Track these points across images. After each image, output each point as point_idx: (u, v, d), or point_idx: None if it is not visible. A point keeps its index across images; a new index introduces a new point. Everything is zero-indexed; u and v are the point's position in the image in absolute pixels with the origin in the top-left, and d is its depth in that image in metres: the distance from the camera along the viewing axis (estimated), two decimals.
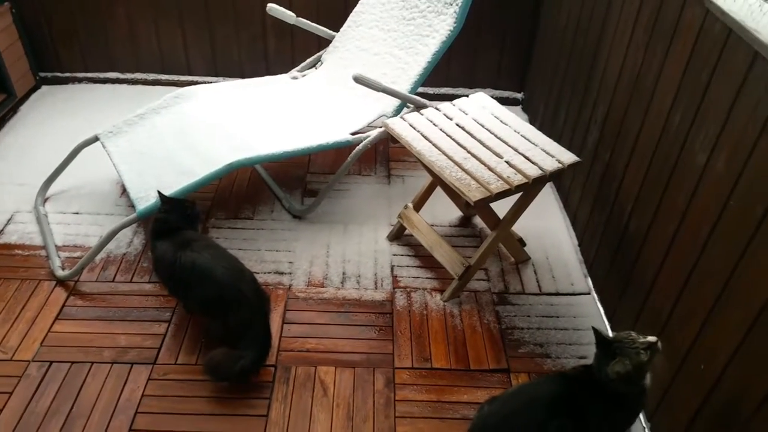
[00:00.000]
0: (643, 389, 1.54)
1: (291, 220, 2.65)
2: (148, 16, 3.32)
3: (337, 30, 3.03)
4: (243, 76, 3.32)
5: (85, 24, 3.36)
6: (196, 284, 1.97)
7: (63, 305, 2.22)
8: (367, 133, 2.59)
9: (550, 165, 2.12)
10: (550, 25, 3.01)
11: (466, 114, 2.38)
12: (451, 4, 2.64)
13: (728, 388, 1.47)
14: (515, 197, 2.18)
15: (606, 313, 2.23)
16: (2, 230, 2.53)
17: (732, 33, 1.51)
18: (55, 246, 2.45)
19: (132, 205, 2.33)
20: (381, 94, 2.57)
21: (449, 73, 3.41)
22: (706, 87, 1.62)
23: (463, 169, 2.10)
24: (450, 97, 2.93)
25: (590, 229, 2.42)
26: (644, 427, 1.88)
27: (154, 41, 3.41)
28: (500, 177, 2.07)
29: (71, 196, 2.72)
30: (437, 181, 2.35)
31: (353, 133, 2.60)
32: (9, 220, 2.58)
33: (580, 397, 1.56)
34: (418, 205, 2.50)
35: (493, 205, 2.17)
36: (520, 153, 2.17)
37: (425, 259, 2.46)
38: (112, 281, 2.33)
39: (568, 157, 2.15)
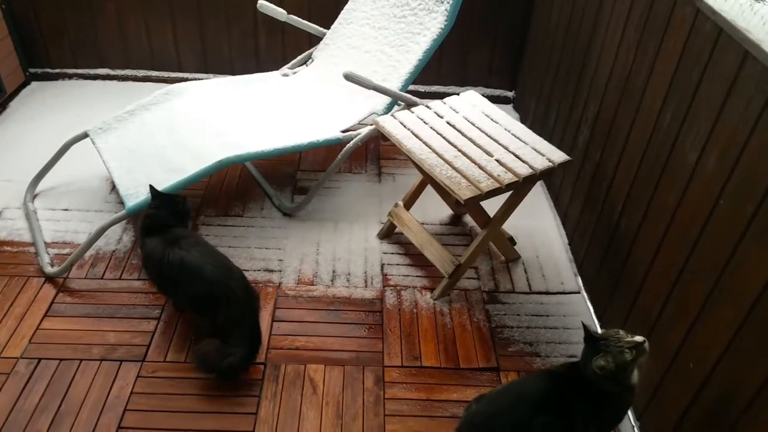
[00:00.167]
0: (629, 388, 1.54)
1: (281, 218, 2.64)
2: (138, 12, 3.30)
3: (328, 27, 3.03)
4: (234, 73, 3.30)
5: (75, 20, 3.33)
6: (185, 282, 1.96)
7: (52, 302, 2.20)
8: (358, 131, 2.59)
9: (541, 164, 2.12)
10: (542, 24, 3.01)
11: (457, 112, 2.38)
12: (442, 2, 2.64)
13: (717, 387, 1.47)
14: (505, 196, 2.18)
15: (596, 312, 2.24)
16: None
17: (722, 32, 1.52)
18: (44, 243, 2.43)
19: (121, 202, 2.32)
20: (372, 91, 2.56)
21: (440, 71, 3.41)
22: (696, 86, 1.63)
23: (454, 168, 2.10)
24: (441, 95, 2.93)
25: (581, 227, 2.43)
26: (633, 426, 1.88)
27: (144, 37, 3.39)
28: (490, 175, 2.07)
29: (61, 193, 2.70)
30: (427, 179, 2.35)
31: (344, 131, 2.59)
32: None
33: (567, 394, 1.56)
34: (409, 203, 2.49)
35: (484, 204, 2.17)
36: (510, 151, 2.18)
37: (415, 258, 2.45)
38: (102, 278, 2.31)
39: (559, 156, 2.15)
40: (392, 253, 2.49)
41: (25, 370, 1.97)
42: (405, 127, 2.28)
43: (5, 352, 2.02)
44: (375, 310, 2.24)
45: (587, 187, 2.35)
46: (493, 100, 3.42)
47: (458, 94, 2.50)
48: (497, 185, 2.04)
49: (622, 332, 1.51)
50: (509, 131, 2.28)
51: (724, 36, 1.51)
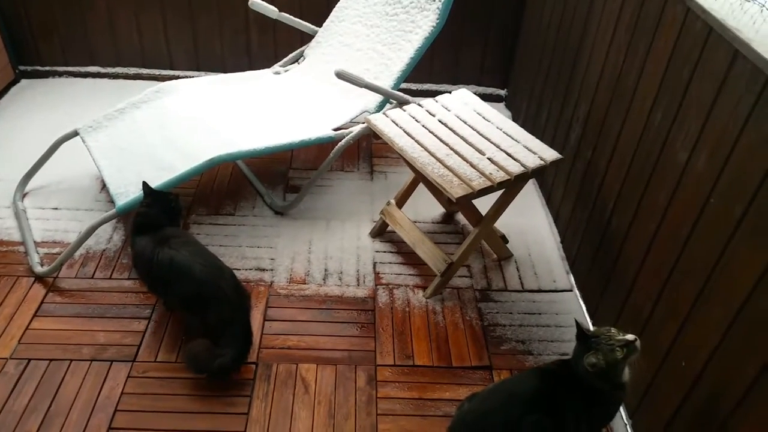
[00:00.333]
0: (621, 386, 1.54)
1: (273, 217, 2.63)
2: (129, 8, 3.28)
3: (319, 25, 3.02)
4: (225, 71, 3.29)
5: (65, 16, 3.31)
6: (175, 282, 1.95)
7: (41, 302, 2.18)
8: (350, 129, 2.58)
9: (533, 162, 2.12)
10: (534, 23, 3.01)
11: (449, 110, 2.38)
12: (434, 0, 2.63)
13: (709, 385, 1.48)
14: (498, 194, 2.18)
15: (588, 310, 2.24)
16: None
17: (713, 31, 1.52)
18: (34, 242, 2.41)
19: (112, 201, 2.30)
20: (363, 89, 2.55)
21: (432, 69, 3.41)
22: (687, 85, 1.63)
23: (446, 166, 2.09)
24: (433, 94, 2.92)
25: (572, 226, 2.43)
26: (626, 424, 1.89)
27: (135, 35, 3.37)
28: (482, 174, 2.07)
29: (50, 192, 2.68)
30: (419, 177, 2.35)
31: (336, 129, 2.59)
32: None
33: (558, 392, 1.56)
34: (401, 202, 2.49)
35: (476, 202, 2.17)
36: (502, 150, 2.17)
37: (408, 256, 2.45)
38: (92, 278, 2.30)
39: (551, 154, 2.15)
40: (384, 252, 2.49)
41: (15, 371, 1.95)
42: (397, 125, 2.28)
43: None
44: (367, 309, 2.24)
45: (579, 185, 2.35)
46: (485, 98, 3.40)
47: (450, 93, 2.50)
48: (489, 183, 2.04)
49: (613, 330, 1.51)
50: (501, 129, 2.28)
51: (714, 35, 1.51)
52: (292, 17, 2.99)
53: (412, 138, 2.21)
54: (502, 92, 3.50)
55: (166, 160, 2.37)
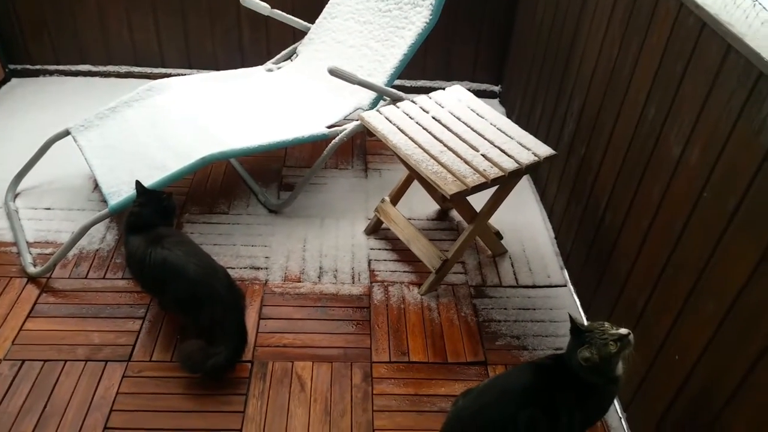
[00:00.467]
0: (615, 380, 1.55)
1: (267, 215, 2.63)
2: (120, 6, 3.26)
3: (312, 22, 3.00)
4: (217, 68, 3.27)
5: (55, 15, 3.28)
6: (168, 282, 1.94)
7: (35, 303, 2.17)
8: (344, 126, 2.57)
9: (527, 158, 2.12)
10: (527, 18, 3.01)
11: (443, 107, 2.38)
12: None
13: (702, 379, 1.49)
14: (492, 190, 2.18)
15: (582, 305, 2.25)
16: None
17: (706, 26, 1.52)
18: (27, 242, 2.40)
19: (104, 200, 2.29)
20: (357, 86, 2.55)
21: (426, 65, 3.40)
22: (680, 80, 1.63)
23: (440, 163, 2.09)
24: (427, 90, 2.92)
25: (566, 221, 2.44)
26: (620, 417, 1.90)
27: (126, 32, 3.35)
28: (476, 170, 2.07)
29: (42, 191, 2.66)
30: (414, 174, 2.34)
31: (329, 126, 2.58)
32: None
33: (552, 386, 1.57)
34: (395, 199, 2.49)
35: (470, 198, 2.17)
36: (496, 146, 2.17)
37: (402, 253, 2.45)
38: (85, 278, 2.29)
39: (544, 150, 2.16)
40: (379, 249, 2.49)
41: (9, 372, 1.94)
42: (390, 122, 2.27)
43: None
44: (362, 306, 2.24)
45: (573, 181, 2.36)
46: (479, 94, 3.40)
47: (444, 89, 2.50)
48: (483, 180, 2.04)
49: (607, 324, 1.51)
50: (495, 126, 2.28)
51: (707, 30, 1.52)
52: (284, 14, 2.98)
53: (406, 135, 2.21)
54: (496, 88, 3.51)
55: (158, 159, 2.36)
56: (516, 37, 3.20)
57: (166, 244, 1.98)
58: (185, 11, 3.27)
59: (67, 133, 2.60)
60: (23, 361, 1.98)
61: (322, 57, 2.88)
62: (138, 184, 2.10)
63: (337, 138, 2.54)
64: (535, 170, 2.51)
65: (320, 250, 2.46)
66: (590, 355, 1.47)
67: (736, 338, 1.37)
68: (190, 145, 2.38)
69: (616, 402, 1.89)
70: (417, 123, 2.27)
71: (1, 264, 2.31)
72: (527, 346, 2.13)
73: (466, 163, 2.10)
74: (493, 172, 2.06)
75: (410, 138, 2.19)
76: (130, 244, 2.05)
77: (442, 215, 2.68)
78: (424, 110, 2.35)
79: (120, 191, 2.27)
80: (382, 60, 2.69)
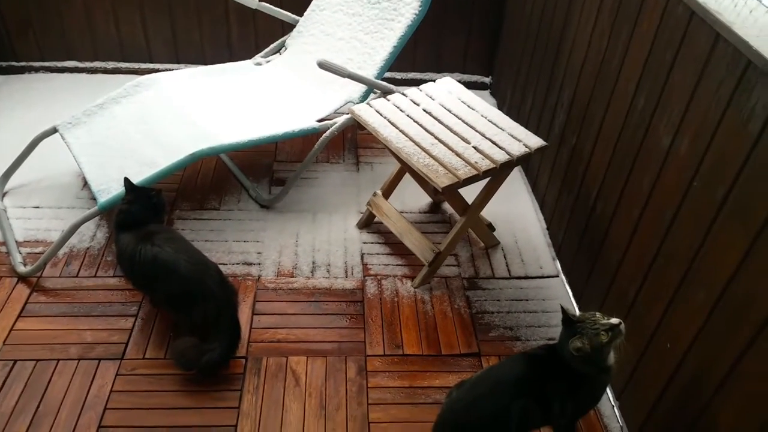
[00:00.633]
0: (606, 369, 1.56)
1: (258, 210, 2.62)
2: (106, 1, 3.22)
3: (300, 14, 2.99)
4: (205, 63, 3.25)
5: (40, 10, 3.24)
6: (159, 279, 1.93)
7: (26, 302, 2.16)
8: (334, 120, 2.56)
9: (517, 150, 2.12)
10: (517, 8, 3.00)
11: (434, 99, 2.37)
12: None
13: (693, 367, 1.50)
14: (484, 182, 2.18)
15: (574, 295, 2.26)
16: None
17: (694, 15, 1.52)
18: (16, 242, 2.38)
19: (94, 198, 2.28)
20: (347, 79, 2.54)
21: (416, 57, 3.39)
22: (669, 69, 1.64)
23: (431, 156, 2.09)
24: (418, 82, 2.91)
25: (558, 212, 2.44)
26: (613, 405, 1.91)
27: (113, 28, 3.32)
28: (468, 162, 2.07)
29: (31, 190, 2.64)
30: (405, 167, 2.34)
31: (320, 120, 2.57)
32: None
33: (544, 377, 1.58)
34: (387, 192, 2.48)
35: (462, 190, 2.17)
36: (487, 138, 2.17)
37: (395, 246, 2.45)
38: (76, 276, 2.27)
39: (535, 142, 2.16)
40: (372, 243, 2.49)
41: (1, 373, 1.93)
42: (381, 115, 2.27)
43: None
44: (356, 300, 2.24)
45: (564, 171, 2.36)
46: (470, 86, 3.40)
47: (434, 81, 2.49)
48: (475, 172, 2.04)
49: (598, 315, 1.52)
50: (486, 117, 2.28)
51: (696, 19, 1.52)
52: (272, 6, 2.96)
53: (397, 128, 2.20)
54: (487, 80, 3.50)
55: (147, 156, 2.34)
56: (506, 27, 3.20)
57: (156, 241, 1.96)
58: (172, 5, 3.24)
59: (54, 130, 2.58)
60: (15, 361, 1.97)
61: (312, 50, 2.87)
62: (127, 181, 2.08)
63: (327, 132, 2.53)
64: (526, 162, 2.51)
65: (313, 245, 2.46)
66: (582, 345, 1.48)
67: (726, 327, 1.38)
68: (179, 141, 2.36)
69: (608, 391, 1.91)
70: (408, 116, 2.27)
71: None
72: (520, 337, 2.14)
73: (458, 155, 2.10)
74: (485, 164, 2.06)
75: (401, 131, 2.19)
76: (120, 241, 2.03)
77: (435, 208, 2.68)
78: (414, 103, 2.35)
79: (109, 188, 2.25)
80: (372, 52, 2.68)
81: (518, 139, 2.17)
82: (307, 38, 2.92)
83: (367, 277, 2.33)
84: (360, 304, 2.22)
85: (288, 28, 3.06)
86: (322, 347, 2.07)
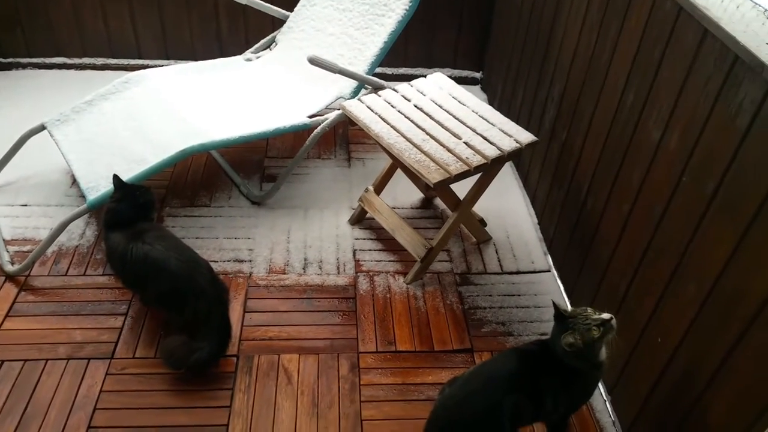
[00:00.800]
0: (598, 364, 1.56)
1: (250, 207, 2.61)
2: None
3: (290, 9, 2.97)
4: (195, 59, 3.23)
5: (27, 6, 3.21)
6: (150, 277, 1.92)
7: (13, 301, 2.14)
8: (325, 116, 2.55)
9: (508, 145, 2.12)
10: (507, 3, 2.99)
11: (424, 95, 2.36)
12: None
13: (684, 361, 1.50)
14: (475, 178, 2.18)
15: (566, 289, 2.26)
16: None
17: (682, 10, 1.52)
18: (3, 240, 2.36)
19: (83, 196, 2.26)
20: (338, 75, 2.52)
21: (407, 53, 3.38)
22: (658, 65, 1.63)
23: (422, 151, 2.09)
24: (409, 78, 2.90)
25: (549, 207, 2.44)
26: (605, 400, 1.92)
27: (101, 24, 3.29)
28: (459, 158, 2.06)
29: (19, 188, 2.62)
30: (397, 163, 2.33)
31: (311, 116, 2.56)
32: None
33: (537, 372, 1.58)
34: (379, 188, 2.48)
35: (454, 185, 2.17)
36: (478, 133, 2.17)
37: (387, 242, 2.45)
38: (65, 275, 2.25)
39: (526, 137, 2.16)
40: (364, 239, 2.48)
41: None
42: (372, 111, 2.26)
43: None
44: (348, 297, 2.23)
45: (554, 166, 2.36)
46: (461, 81, 3.40)
47: (425, 77, 2.48)
48: (466, 168, 2.03)
49: (590, 310, 1.53)
50: (476, 113, 2.27)
51: (683, 14, 1.52)
52: (261, 2, 2.94)
53: (388, 124, 2.20)
54: (478, 75, 3.49)
55: (137, 153, 2.32)
56: (496, 22, 3.19)
57: (147, 239, 1.95)
58: (161, 0, 3.21)
59: (42, 127, 2.56)
60: (2, 361, 1.95)
61: (302, 45, 2.85)
62: (116, 178, 2.07)
63: (318, 128, 2.52)
64: (517, 157, 2.50)
65: (304, 241, 2.45)
66: (574, 341, 1.48)
67: (717, 321, 1.38)
68: (169, 138, 2.35)
69: (600, 386, 1.91)
70: (399, 111, 2.26)
71: None
72: (512, 332, 2.14)
73: (449, 151, 2.09)
74: (476, 160, 2.06)
75: (392, 127, 2.18)
76: (110, 240, 2.02)
77: (426, 203, 2.67)
78: (405, 98, 2.34)
79: (98, 186, 2.24)
80: (363, 48, 2.67)
81: (509, 134, 2.17)
82: (298, 34, 2.90)
83: (359, 274, 2.33)
84: (352, 301, 2.22)
85: (278, 23, 3.04)
86: (314, 344, 2.06)
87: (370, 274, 2.33)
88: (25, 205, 2.53)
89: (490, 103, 3.21)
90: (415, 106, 2.30)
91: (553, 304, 1.56)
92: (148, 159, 2.27)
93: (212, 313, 1.91)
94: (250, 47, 3.05)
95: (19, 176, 2.65)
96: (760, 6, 1.40)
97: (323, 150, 2.96)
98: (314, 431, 1.82)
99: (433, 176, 2.00)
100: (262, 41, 3.03)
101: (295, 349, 2.04)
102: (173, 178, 2.73)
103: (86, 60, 3.40)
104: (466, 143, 2.12)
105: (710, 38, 1.41)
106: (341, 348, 2.05)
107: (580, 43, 2.12)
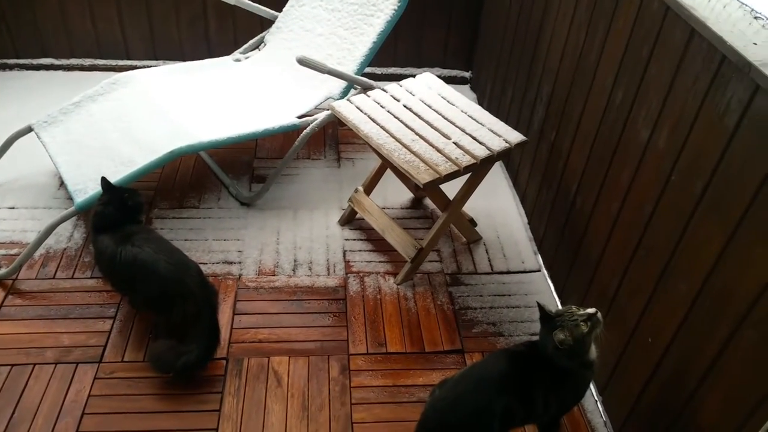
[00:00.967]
0: (589, 364, 1.56)
1: (239, 208, 2.59)
2: None
3: (279, 10, 2.95)
4: (184, 59, 3.21)
5: (13, 6, 3.18)
6: (139, 280, 1.91)
7: (0, 305, 2.11)
8: (315, 116, 2.54)
9: (498, 145, 2.12)
10: (495, 3, 2.99)
11: (414, 95, 2.36)
12: None
13: (675, 360, 1.51)
14: (465, 177, 2.17)
15: (556, 289, 2.26)
16: None
17: (670, 10, 1.52)
18: None
19: (71, 198, 2.24)
20: (327, 75, 2.51)
21: (396, 52, 3.37)
22: (646, 64, 1.64)
23: (412, 152, 2.08)
24: (398, 77, 2.90)
25: (539, 206, 2.44)
26: (596, 401, 1.92)
27: (89, 24, 3.26)
28: (449, 158, 2.06)
29: (6, 190, 2.59)
30: (386, 163, 2.33)
31: (300, 117, 2.54)
32: None
33: (527, 373, 1.58)
34: (369, 188, 2.47)
35: (444, 185, 2.16)
36: (467, 133, 2.17)
37: (377, 243, 2.44)
38: (53, 278, 2.23)
39: (515, 137, 2.15)
40: (354, 240, 2.47)
41: None
42: (361, 111, 2.25)
43: None
44: (338, 298, 2.22)
45: (544, 166, 2.36)
46: (451, 80, 3.40)
47: (415, 76, 2.47)
48: (456, 168, 2.03)
49: (574, 308, 1.53)
50: (466, 113, 2.27)
51: (671, 14, 1.52)
52: (250, 2, 2.92)
53: (378, 124, 2.19)
54: (467, 74, 3.49)
55: (125, 154, 2.31)
56: (485, 22, 3.19)
57: (136, 241, 1.94)
58: (149, 1, 3.19)
59: (29, 129, 2.53)
60: None
61: (291, 46, 2.84)
62: (104, 180, 2.05)
63: (308, 128, 2.51)
64: (506, 157, 2.51)
65: (294, 243, 2.44)
66: (565, 337, 1.48)
67: (707, 320, 1.39)
68: (157, 139, 2.33)
69: (591, 386, 1.91)
70: (388, 112, 2.25)
71: None
72: (503, 333, 2.14)
73: (438, 151, 2.09)
74: (465, 160, 2.06)
75: (382, 127, 2.17)
76: (99, 243, 2.00)
77: (416, 203, 2.67)
78: (395, 98, 2.33)
79: (86, 188, 2.22)
80: (352, 48, 2.66)
81: (498, 134, 2.16)
82: (287, 34, 2.89)
83: (349, 275, 2.32)
84: (342, 302, 2.21)
85: (267, 23, 3.02)
86: (304, 347, 2.05)
87: (361, 275, 2.32)
88: (13, 208, 2.51)
89: (480, 102, 3.21)
90: (405, 106, 2.29)
91: (538, 305, 1.56)
92: (136, 160, 2.25)
93: (201, 316, 1.90)
94: (239, 47, 3.03)
95: (6, 179, 2.63)
96: (746, 6, 1.41)
97: (313, 150, 2.95)
98: None
99: (423, 177, 1.99)
100: (251, 41, 3.01)
101: (285, 351, 2.03)
102: (162, 179, 2.71)
103: (74, 61, 3.37)
104: (455, 143, 2.12)
105: (697, 38, 1.41)
106: (331, 350, 2.04)
107: (569, 42, 2.12)
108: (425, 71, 2.54)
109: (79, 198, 2.20)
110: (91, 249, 2.17)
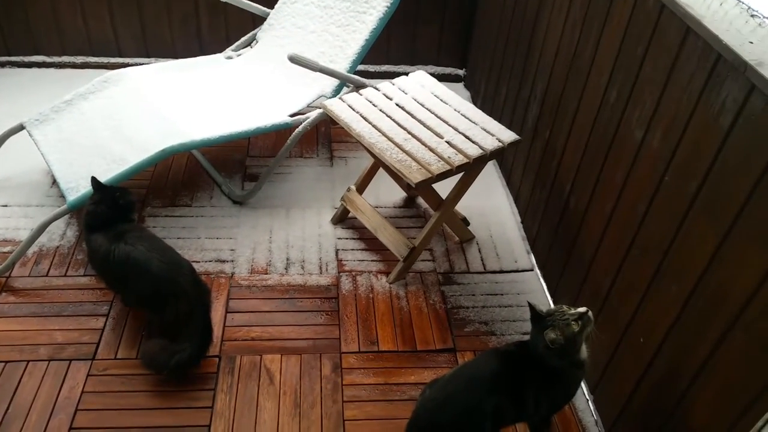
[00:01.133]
0: (580, 363, 1.56)
1: (231, 206, 2.58)
2: None
3: (271, 6, 2.94)
4: (176, 56, 3.19)
5: (4, 3, 3.15)
6: (132, 279, 1.90)
7: None
8: (307, 115, 2.53)
9: (491, 144, 2.12)
10: (490, 0, 2.99)
11: (406, 93, 2.36)
12: None
13: (667, 360, 1.51)
14: (457, 177, 2.17)
15: (549, 288, 2.27)
16: None
17: (665, 8, 1.52)
18: None
19: (63, 196, 2.23)
20: (319, 73, 2.51)
21: (389, 50, 3.37)
22: (641, 63, 1.64)
23: (404, 151, 2.08)
24: (391, 75, 2.89)
25: (532, 206, 2.45)
26: (587, 400, 1.92)
27: (80, 21, 3.24)
28: (441, 158, 2.06)
29: None
30: (378, 162, 2.32)
31: (292, 115, 2.54)
32: None
33: (518, 373, 1.58)
34: (361, 187, 2.47)
35: (437, 184, 2.16)
36: (460, 132, 2.17)
37: (370, 242, 2.44)
38: (46, 275, 2.22)
39: (508, 136, 2.16)
40: (346, 238, 2.47)
41: None
42: (354, 110, 2.25)
43: None
44: (331, 297, 2.22)
45: (538, 165, 2.36)
46: (444, 78, 3.41)
47: (407, 74, 2.47)
48: (448, 168, 2.03)
49: (565, 307, 1.54)
50: (459, 112, 2.27)
51: (666, 12, 1.52)
52: None
53: (370, 123, 2.19)
54: (461, 72, 3.49)
55: (117, 153, 2.30)
56: (479, 19, 3.19)
57: (129, 239, 1.93)
58: None
59: (21, 127, 2.52)
60: None
61: (283, 43, 2.83)
62: (94, 180, 2.04)
63: (300, 126, 2.51)
64: (500, 156, 2.51)
65: (287, 241, 2.43)
66: (556, 336, 1.48)
67: (699, 321, 1.39)
68: (149, 137, 2.32)
69: (583, 385, 1.92)
70: (380, 110, 2.25)
71: None
72: (495, 332, 2.14)
73: (431, 150, 2.09)
74: (458, 159, 2.06)
75: (374, 126, 2.17)
76: (92, 242, 1.99)
77: (409, 202, 2.67)
78: (387, 97, 2.33)
79: (78, 186, 2.21)
80: (344, 46, 2.65)
81: (491, 133, 2.16)
82: (279, 31, 2.88)
83: (341, 273, 2.32)
84: (335, 301, 2.21)
85: (259, 21, 3.01)
86: (296, 345, 2.05)
87: (353, 273, 2.32)
88: (5, 206, 2.50)
89: (474, 100, 3.21)
90: (397, 104, 2.29)
91: (529, 304, 1.56)
92: (128, 159, 2.24)
93: (194, 315, 1.89)
94: (231, 45, 3.02)
95: None
96: (743, 3, 1.40)
97: (305, 149, 2.94)
98: (296, 431, 1.81)
99: (415, 176, 1.99)
100: (243, 39, 3.00)
101: (278, 349, 2.03)
102: (154, 177, 2.70)
103: (66, 59, 3.35)
104: (448, 142, 2.12)
105: (693, 36, 1.41)
106: (324, 348, 2.04)
107: (563, 40, 2.12)
108: (419, 69, 2.54)
109: (72, 196, 2.19)
110: (84, 247, 2.16)
